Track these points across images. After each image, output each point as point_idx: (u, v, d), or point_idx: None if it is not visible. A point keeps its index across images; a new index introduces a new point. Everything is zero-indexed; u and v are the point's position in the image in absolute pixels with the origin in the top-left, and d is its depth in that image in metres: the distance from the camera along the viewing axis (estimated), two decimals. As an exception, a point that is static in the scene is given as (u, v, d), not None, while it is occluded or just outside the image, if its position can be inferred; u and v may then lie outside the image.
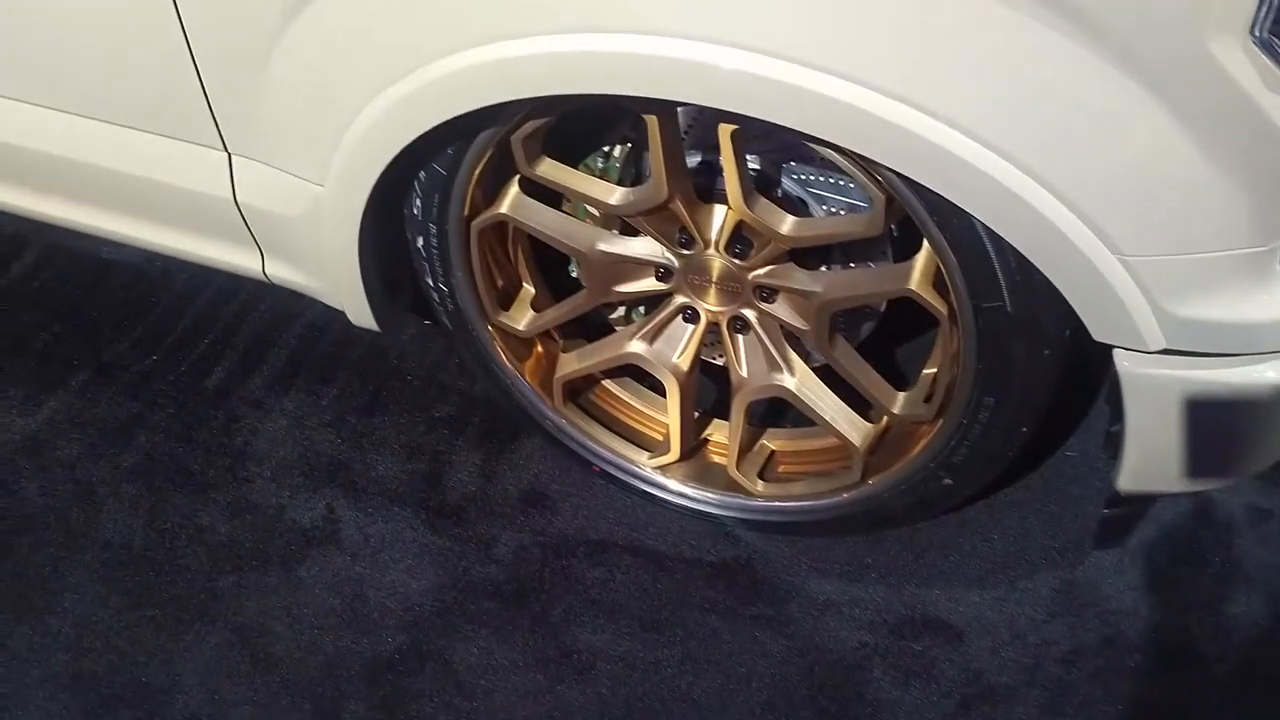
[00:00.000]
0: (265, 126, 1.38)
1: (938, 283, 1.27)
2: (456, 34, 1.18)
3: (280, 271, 1.58)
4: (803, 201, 1.38)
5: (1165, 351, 1.19)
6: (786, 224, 1.29)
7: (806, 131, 1.12)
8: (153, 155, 1.46)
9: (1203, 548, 1.62)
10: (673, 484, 1.59)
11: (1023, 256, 1.15)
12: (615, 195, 1.34)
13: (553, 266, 1.57)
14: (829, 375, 1.46)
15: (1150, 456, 1.33)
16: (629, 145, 1.41)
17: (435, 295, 1.52)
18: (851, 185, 1.34)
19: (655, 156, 1.27)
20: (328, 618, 1.57)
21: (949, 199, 1.13)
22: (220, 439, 1.76)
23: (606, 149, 1.41)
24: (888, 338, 1.58)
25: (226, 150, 1.43)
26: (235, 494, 1.70)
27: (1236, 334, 1.18)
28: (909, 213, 1.19)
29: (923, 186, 1.13)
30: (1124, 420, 1.28)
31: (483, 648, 1.54)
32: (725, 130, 1.22)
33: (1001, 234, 1.13)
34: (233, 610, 1.58)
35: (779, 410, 1.61)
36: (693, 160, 1.36)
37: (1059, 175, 1.09)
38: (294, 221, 1.48)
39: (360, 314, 1.55)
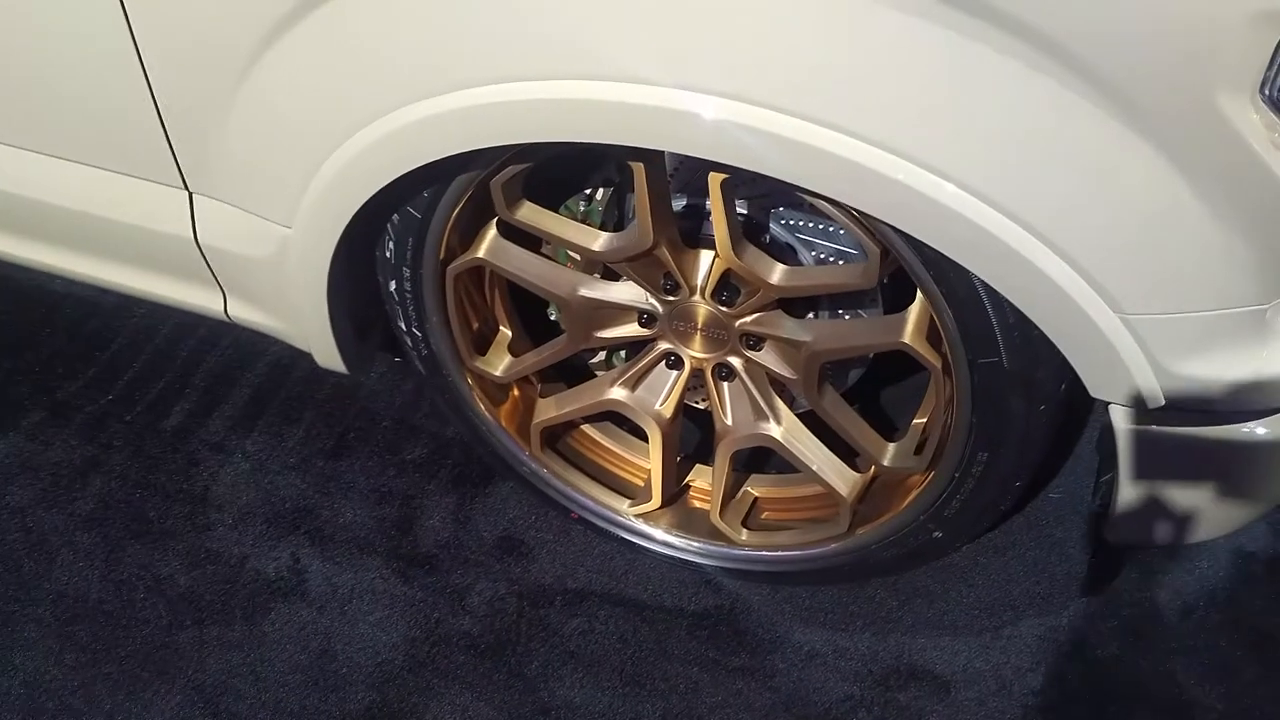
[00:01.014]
0: (229, 167, 1.32)
1: (930, 335, 1.23)
2: (435, 79, 1.12)
3: (243, 313, 1.52)
4: (791, 248, 1.34)
5: (1165, 408, 1.17)
6: (776, 273, 1.25)
7: (800, 185, 1.08)
8: (112, 194, 1.39)
9: (1186, 591, 1.60)
10: (656, 532, 1.55)
11: (1021, 313, 1.12)
12: (599, 241, 1.29)
13: (530, 309, 1.51)
14: (813, 422, 1.42)
15: (1143, 510, 1.31)
16: (612, 188, 1.36)
17: (409, 340, 1.46)
18: (842, 232, 1.31)
19: (641, 203, 1.22)
20: (294, 674, 1.51)
21: (946, 254, 1.09)
22: (179, 484, 1.69)
23: (589, 191, 1.37)
24: (873, 383, 1.55)
25: (187, 189, 1.37)
26: (195, 542, 1.62)
27: (1239, 391, 1.16)
28: (904, 267, 1.15)
29: (919, 241, 1.09)
30: (1116, 473, 1.26)
31: (457, 704, 1.48)
32: (715, 179, 1.17)
33: (1000, 291, 1.10)
34: (194, 667, 1.51)
35: (762, 456, 1.57)
36: (678, 204, 1.31)
37: (1062, 232, 1.06)
38: (259, 263, 1.41)
39: (328, 356, 1.49)
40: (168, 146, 1.31)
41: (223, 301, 1.51)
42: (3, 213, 1.50)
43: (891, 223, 1.09)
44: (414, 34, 1.12)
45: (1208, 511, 1.31)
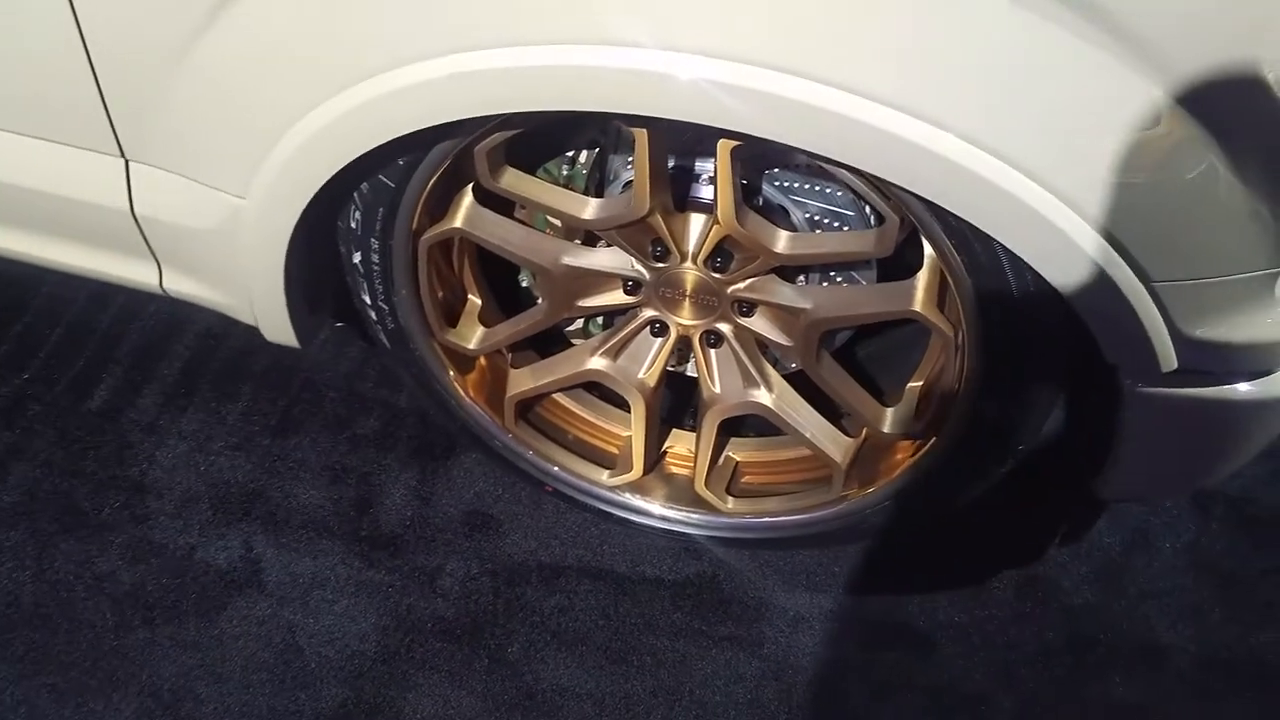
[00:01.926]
0: (171, 132, 1.18)
1: (941, 301, 1.19)
2: (418, 44, 1.01)
3: (181, 286, 1.39)
4: (783, 209, 1.27)
5: (1175, 371, 1.16)
6: (781, 241, 1.19)
7: (827, 155, 1.02)
8: (37, 161, 1.24)
9: (1153, 535, 1.62)
10: (639, 502, 1.49)
11: (1043, 280, 1.08)
12: (589, 209, 1.20)
13: (500, 277, 1.42)
14: (801, 385, 1.38)
15: (1139, 468, 1.31)
16: (596, 150, 1.27)
17: (373, 314, 1.35)
18: (838, 193, 1.24)
19: (640, 171, 1.14)
20: (258, 674, 1.41)
21: (974, 223, 1.04)
22: (111, 470, 1.55)
23: (570, 155, 1.27)
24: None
25: (124, 157, 1.22)
26: (136, 534, 1.50)
27: (1249, 353, 1.16)
28: (924, 236, 1.10)
29: (941, 208, 1.04)
30: (1118, 434, 1.25)
31: (437, 695, 1.41)
32: (725, 146, 1.09)
33: (1029, 261, 1.06)
34: (147, 672, 1.40)
35: (740, 419, 1.52)
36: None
37: (1095, 202, 1.02)
38: (202, 234, 1.29)
39: (278, 330, 1.38)
40: (103, 110, 1.16)
41: (158, 275, 1.37)
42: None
43: (920, 193, 1.03)
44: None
45: (1197, 465, 1.32)
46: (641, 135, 1.10)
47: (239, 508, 1.53)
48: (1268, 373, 1.19)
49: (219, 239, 1.28)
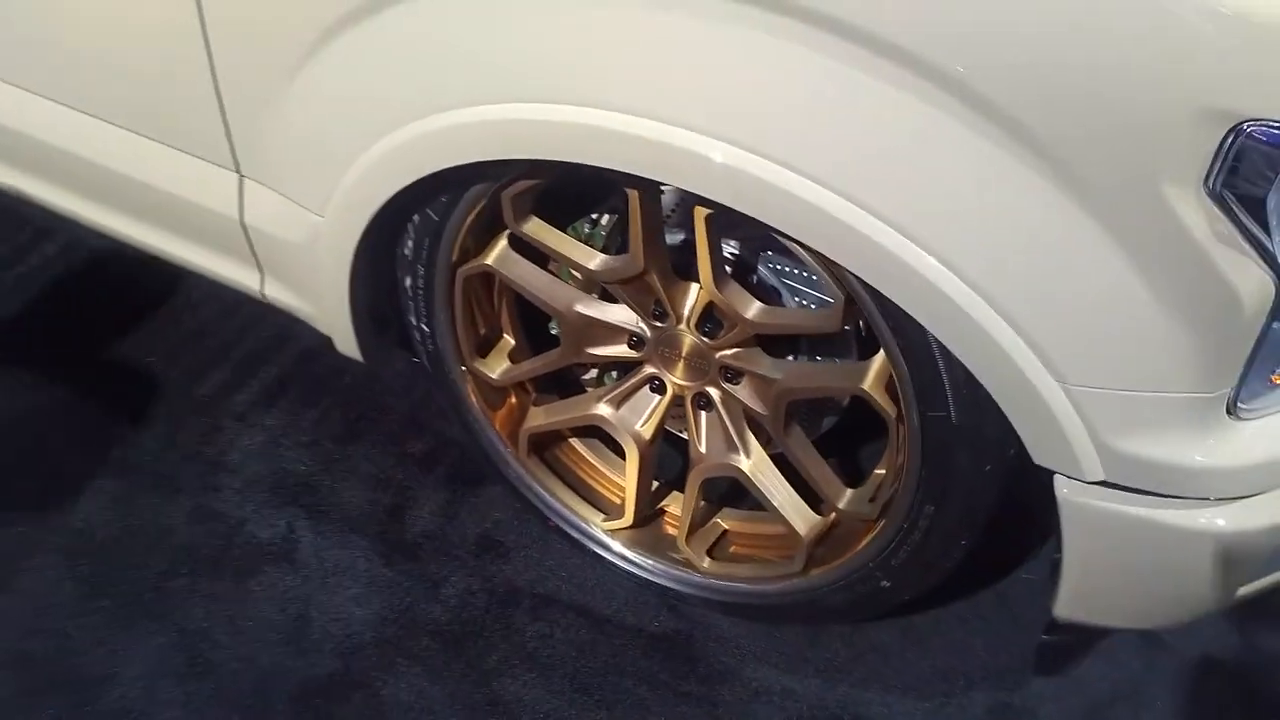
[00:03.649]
0: (275, 153, 1.45)
1: (890, 386, 1.29)
2: (454, 93, 1.23)
3: (276, 293, 1.64)
4: (776, 291, 1.41)
5: (1104, 484, 1.21)
6: (752, 309, 1.33)
7: (772, 225, 1.16)
8: (169, 168, 1.53)
9: (1146, 686, 1.60)
10: (621, 548, 1.62)
11: (970, 371, 1.18)
12: (595, 261, 1.38)
13: (535, 322, 1.61)
14: (785, 465, 1.48)
15: (1085, 587, 1.33)
16: (615, 216, 1.45)
17: (417, 334, 1.56)
18: (823, 282, 1.38)
19: (634, 229, 1.31)
20: (270, 633, 1.60)
21: (903, 307, 1.16)
22: (199, 446, 1.81)
23: (595, 216, 1.46)
24: (853, 437, 1.61)
25: (239, 173, 1.50)
26: (203, 501, 1.74)
27: (1178, 476, 1.19)
28: (865, 315, 1.22)
29: (879, 292, 1.16)
30: (1059, 543, 1.29)
31: (413, 685, 1.56)
32: (700, 213, 1.26)
33: (950, 348, 1.16)
34: (180, 613, 1.61)
35: (740, 491, 1.63)
36: (675, 238, 1.40)
37: (1010, 298, 1.11)
38: (293, 247, 1.53)
39: (346, 342, 1.60)
40: (224, 130, 1.44)
41: (259, 280, 1.63)
42: (73, 173, 1.65)
43: (855, 271, 1.16)
44: (453, 51, 1.23)
45: (1146, 595, 1.33)
46: (634, 196, 1.28)
47: (291, 495, 1.76)
48: (1210, 500, 1.21)
49: (304, 252, 1.52)
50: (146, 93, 1.48)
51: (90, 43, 1.48)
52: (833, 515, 1.47)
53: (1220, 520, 1.20)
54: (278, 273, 1.62)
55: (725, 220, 1.26)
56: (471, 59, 1.22)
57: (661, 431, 1.54)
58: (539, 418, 1.60)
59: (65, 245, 2.11)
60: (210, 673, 1.56)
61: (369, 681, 1.56)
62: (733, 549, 1.61)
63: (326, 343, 1.62)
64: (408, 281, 1.50)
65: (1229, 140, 0.97)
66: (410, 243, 1.46)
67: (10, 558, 1.66)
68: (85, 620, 1.60)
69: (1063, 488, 1.24)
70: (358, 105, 1.33)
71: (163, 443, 1.81)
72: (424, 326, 1.54)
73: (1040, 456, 1.22)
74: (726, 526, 1.61)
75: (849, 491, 1.42)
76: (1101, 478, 1.20)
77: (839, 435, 1.56)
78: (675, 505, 1.64)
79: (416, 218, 1.43)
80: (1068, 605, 1.36)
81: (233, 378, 1.91)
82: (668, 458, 1.66)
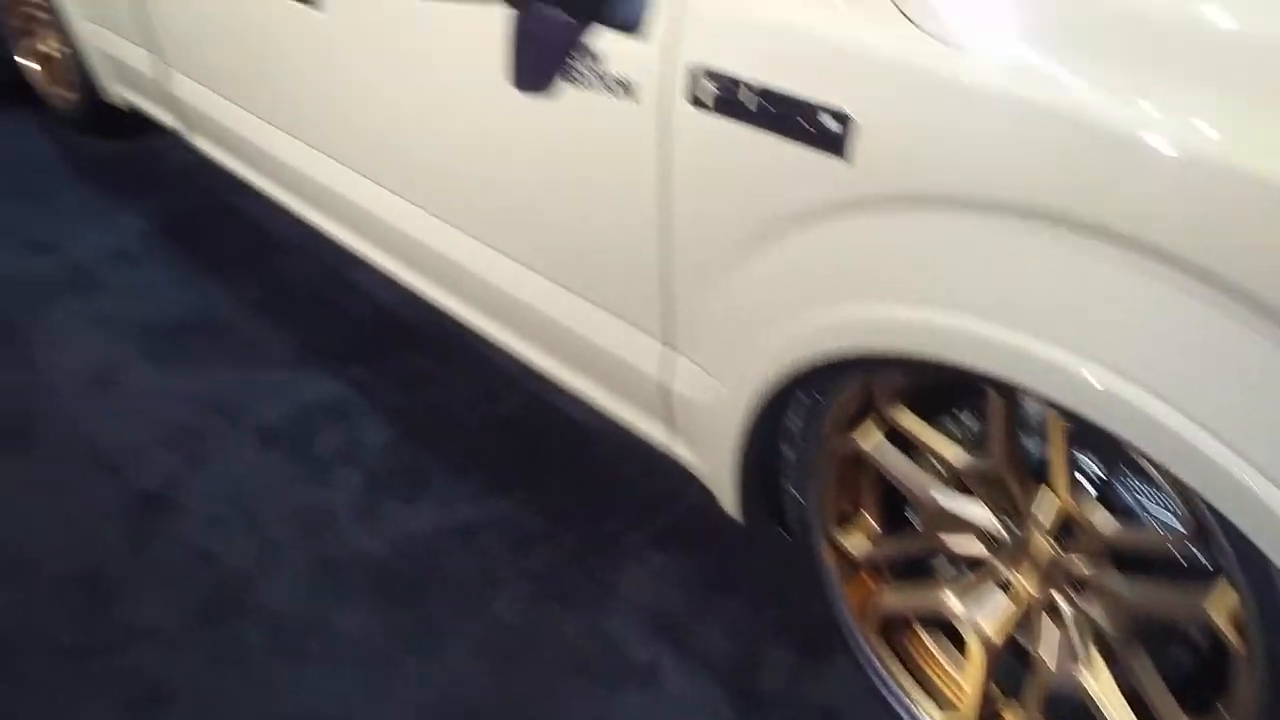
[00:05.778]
0: (704, 331, 1.69)
1: (1237, 618, 1.27)
2: (881, 292, 1.36)
3: (678, 447, 1.89)
4: (1130, 511, 1.43)
5: None
6: (1099, 521, 1.37)
7: (1144, 451, 1.18)
8: (603, 328, 1.85)
9: None
10: (956, 745, 1.64)
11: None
12: (953, 452, 1.49)
13: (894, 504, 1.73)
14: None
15: None
16: (981, 416, 1.56)
17: (790, 501, 1.74)
18: (1173, 504, 1.38)
19: (995, 430, 1.42)
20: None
21: (1256, 545, 1.15)
22: (602, 572, 2.09)
23: (958, 413, 1.58)
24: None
25: (667, 343, 1.77)
26: (594, 617, 2.00)
27: None
28: (1211, 544, 1.23)
29: (1230, 524, 1.17)
30: None
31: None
32: (1056, 423, 1.34)
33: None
34: (570, 712, 1.84)
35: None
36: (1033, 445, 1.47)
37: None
38: (698, 409, 1.78)
39: (727, 500, 1.81)
40: (670, 310, 1.71)
41: (665, 432, 1.90)
42: (536, 329, 2.03)
43: (1217, 507, 1.16)
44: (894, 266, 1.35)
45: None
46: (994, 398, 1.39)
47: (666, 629, 1.97)
48: None
49: (706, 415, 1.77)
50: (587, 261, 1.81)
51: (552, 214, 1.83)
52: (1175, 749, 1.42)
53: None
54: (682, 430, 1.87)
55: (1081, 433, 1.33)
56: (903, 274, 1.33)
57: (1009, 637, 1.57)
58: (890, 599, 1.70)
59: (530, 396, 2.54)
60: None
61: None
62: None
63: (714, 507, 1.84)
64: (788, 452, 1.69)
65: None
66: (793, 416, 1.65)
67: (442, 627, 1.99)
68: (505, 692, 1.86)
69: None
70: (791, 294, 1.48)
71: (574, 562, 2.11)
72: (796, 495, 1.71)
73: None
74: (1063, 745, 1.59)
75: (1189, 724, 1.38)
76: None
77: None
78: (1012, 717, 1.65)
79: (800, 394, 1.62)
80: None
81: (632, 518, 2.20)
82: (1016, 669, 1.68)
